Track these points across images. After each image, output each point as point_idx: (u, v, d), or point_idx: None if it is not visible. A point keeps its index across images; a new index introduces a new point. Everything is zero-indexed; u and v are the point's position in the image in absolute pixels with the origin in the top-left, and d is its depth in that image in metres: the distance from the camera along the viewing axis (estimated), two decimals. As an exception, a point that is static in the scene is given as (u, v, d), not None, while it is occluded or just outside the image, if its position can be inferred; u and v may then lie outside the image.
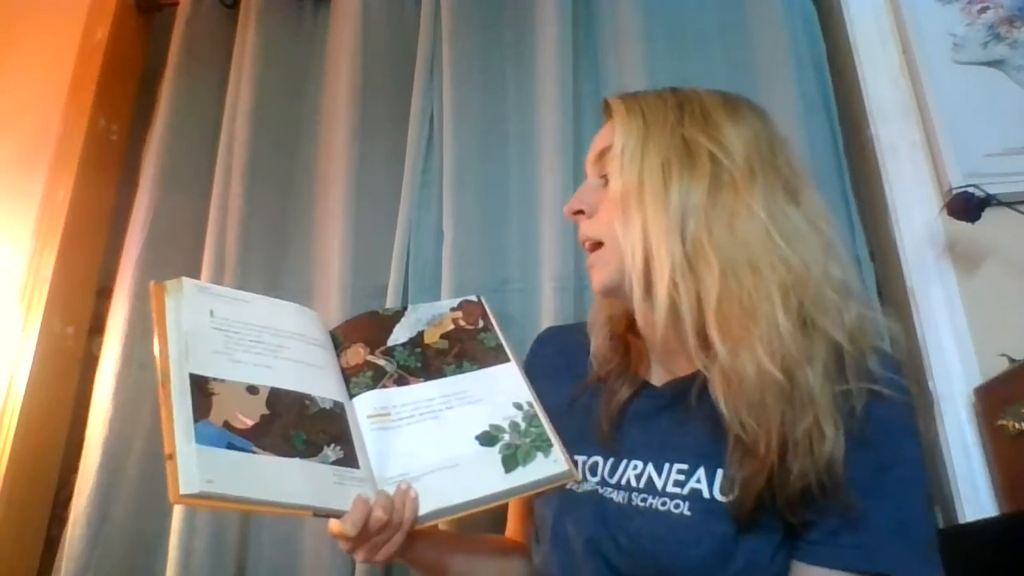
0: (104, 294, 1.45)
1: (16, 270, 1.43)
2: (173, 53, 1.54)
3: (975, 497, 1.01)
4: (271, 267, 1.38)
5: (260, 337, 0.76)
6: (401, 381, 0.81)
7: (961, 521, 1.00)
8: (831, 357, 0.70)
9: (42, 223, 1.45)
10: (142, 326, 1.35)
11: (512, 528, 0.96)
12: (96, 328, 1.46)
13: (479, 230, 1.29)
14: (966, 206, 1.08)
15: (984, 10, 1.26)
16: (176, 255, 1.42)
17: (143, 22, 1.67)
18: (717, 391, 0.70)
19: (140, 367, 1.34)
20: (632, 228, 0.75)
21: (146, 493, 1.27)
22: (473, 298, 0.92)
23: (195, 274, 1.36)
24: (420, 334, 0.86)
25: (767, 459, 0.67)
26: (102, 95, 1.54)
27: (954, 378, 1.06)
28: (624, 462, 0.79)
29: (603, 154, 0.83)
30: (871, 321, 0.75)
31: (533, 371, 0.89)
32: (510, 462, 0.75)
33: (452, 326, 0.88)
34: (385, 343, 0.84)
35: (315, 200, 1.41)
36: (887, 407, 0.69)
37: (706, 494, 0.72)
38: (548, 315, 1.20)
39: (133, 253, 1.39)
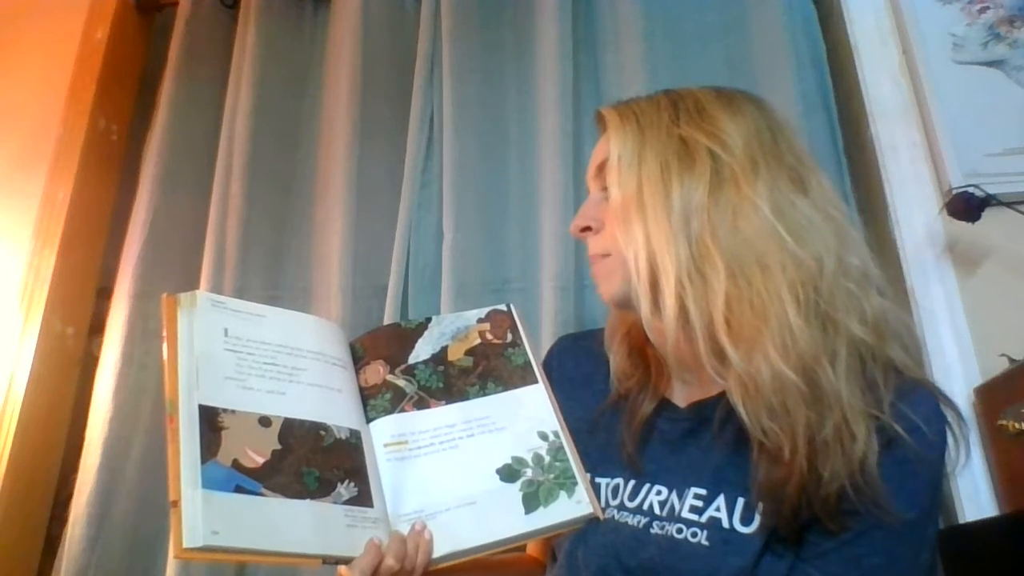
0: (104, 294, 1.45)
1: (16, 270, 1.43)
2: (173, 53, 1.54)
3: (975, 497, 1.01)
4: (271, 267, 1.38)
5: (275, 359, 0.73)
6: (421, 404, 0.77)
7: (961, 521, 1.00)
8: (854, 354, 0.67)
9: (42, 223, 1.45)
10: (142, 326, 1.35)
11: (534, 544, 0.94)
12: (96, 328, 1.46)
13: (479, 230, 1.29)
14: (966, 206, 1.07)
15: (984, 10, 1.25)
16: (176, 255, 1.42)
17: (143, 22, 1.67)
18: (735, 398, 0.68)
19: (140, 367, 1.34)
20: (634, 236, 0.72)
21: (146, 493, 1.27)
22: (503, 307, 0.86)
23: (195, 273, 1.36)
24: (444, 350, 0.82)
25: (793, 465, 0.64)
26: (102, 95, 1.54)
27: (954, 378, 1.06)
28: (647, 486, 0.76)
29: (602, 167, 0.80)
30: (896, 314, 0.72)
31: (550, 386, 0.83)
32: (531, 501, 0.71)
33: (478, 340, 0.83)
34: (406, 360, 0.80)
35: (315, 200, 1.41)
36: (916, 456, 0.66)
37: (725, 524, 0.69)
38: (548, 315, 1.19)
39: (133, 253, 1.39)
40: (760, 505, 0.68)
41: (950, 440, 0.70)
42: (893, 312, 0.72)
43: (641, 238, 0.72)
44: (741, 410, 0.67)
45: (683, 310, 0.69)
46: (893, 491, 0.65)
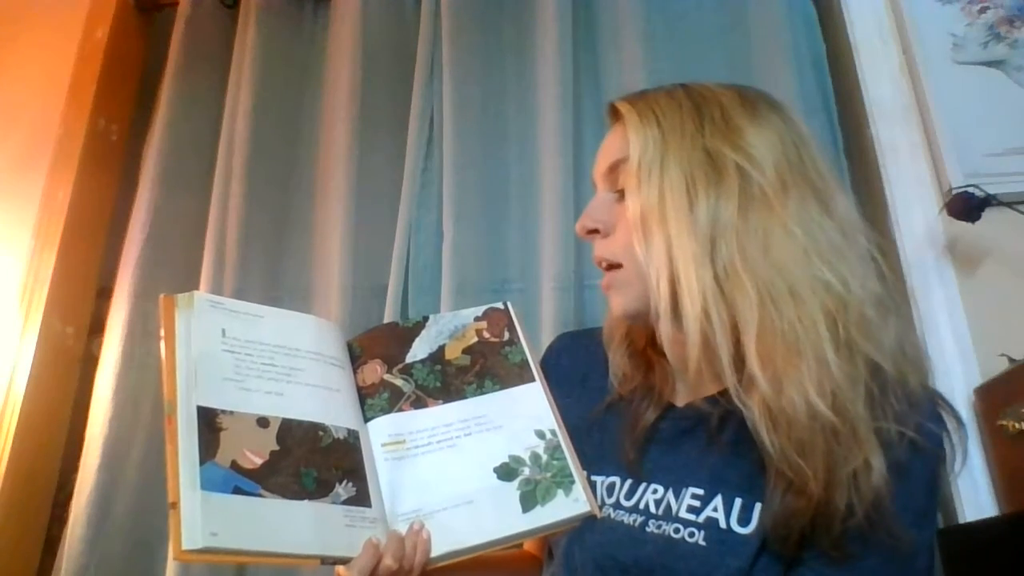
0: (104, 294, 1.45)
1: (16, 270, 1.43)
2: (173, 53, 1.54)
3: (975, 497, 1.01)
4: (271, 267, 1.38)
5: (273, 359, 0.73)
6: (418, 403, 0.77)
7: (961, 521, 1.00)
8: (873, 380, 0.66)
9: (42, 223, 1.45)
10: (142, 326, 1.36)
11: (531, 541, 0.93)
12: (96, 328, 1.46)
13: (479, 230, 1.29)
14: (966, 206, 1.08)
15: (984, 10, 1.25)
16: (176, 255, 1.42)
17: (143, 22, 1.68)
18: (760, 427, 0.65)
19: (140, 367, 1.34)
20: (655, 251, 0.69)
21: (146, 493, 1.27)
22: (499, 305, 0.85)
23: (195, 273, 1.36)
24: (441, 348, 0.81)
25: (814, 496, 0.63)
26: (102, 95, 1.54)
27: (954, 378, 1.06)
28: (643, 485, 0.75)
29: (616, 167, 0.77)
30: (911, 339, 0.71)
31: (548, 383, 0.81)
32: (528, 500, 0.71)
33: (475, 339, 0.82)
34: (404, 359, 0.80)
35: (315, 200, 1.41)
36: (915, 458, 0.66)
37: (723, 524, 0.69)
38: (548, 315, 1.19)
39: (133, 253, 1.40)
40: (762, 515, 0.68)
41: (947, 447, 0.69)
42: (910, 338, 0.71)
43: (663, 254, 0.69)
44: (766, 440, 0.65)
45: (707, 335, 0.67)
46: (894, 504, 0.64)
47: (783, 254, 0.67)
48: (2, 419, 1.32)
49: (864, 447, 0.64)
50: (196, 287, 1.34)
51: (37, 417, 1.35)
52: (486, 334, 0.83)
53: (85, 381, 1.40)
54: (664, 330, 0.70)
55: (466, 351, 0.82)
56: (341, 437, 0.72)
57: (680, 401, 0.79)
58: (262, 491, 0.64)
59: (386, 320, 1.25)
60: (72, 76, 1.55)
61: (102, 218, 1.53)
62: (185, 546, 0.58)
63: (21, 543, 1.31)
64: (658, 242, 0.70)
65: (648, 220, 0.71)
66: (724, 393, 0.70)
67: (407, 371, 0.79)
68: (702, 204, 0.69)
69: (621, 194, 0.76)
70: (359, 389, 0.78)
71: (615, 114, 0.80)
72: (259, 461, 0.66)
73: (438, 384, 0.79)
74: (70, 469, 1.35)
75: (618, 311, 0.77)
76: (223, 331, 0.72)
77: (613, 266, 0.77)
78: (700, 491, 0.72)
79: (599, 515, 0.72)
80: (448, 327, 0.84)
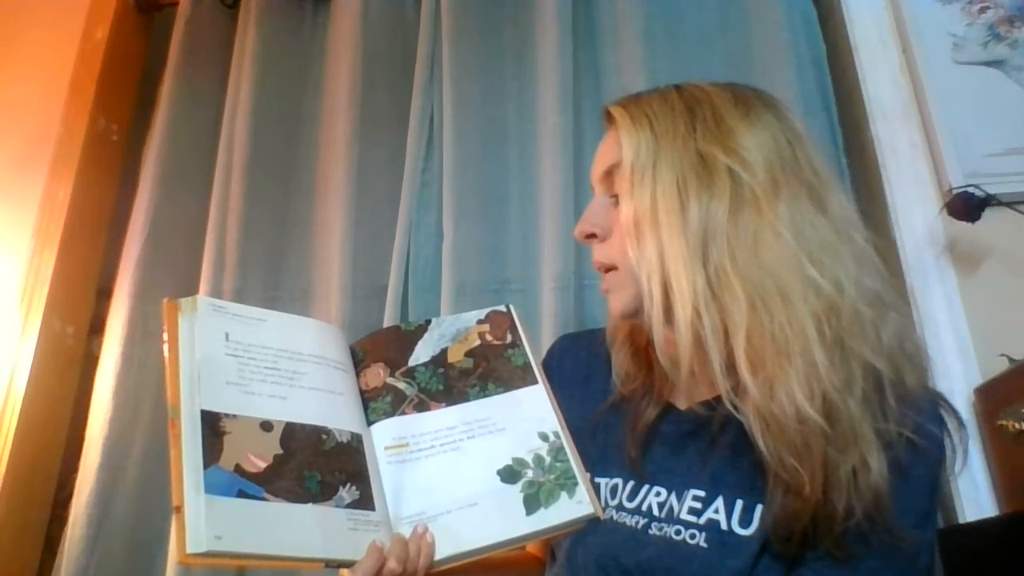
0: (104, 294, 1.45)
1: (16, 270, 1.43)
2: (173, 53, 1.54)
3: (975, 497, 1.01)
4: (271, 267, 1.38)
5: (276, 363, 0.73)
6: (421, 406, 0.77)
7: (961, 521, 1.00)
8: (869, 382, 0.66)
9: (42, 223, 1.45)
10: (142, 326, 1.36)
11: (534, 543, 0.92)
12: (96, 328, 1.46)
13: (479, 230, 1.29)
14: (966, 206, 1.08)
15: (984, 10, 1.26)
16: (176, 255, 1.42)
17: (143, 22, 1.68)
18: (754, 431, 0.66)
19: (140, 367, 1.34)
20: (647, 254, 0.70)
21: (146, 493, 1.27)
22: (502, 308, 0.86)
23: (195, 273, 1.36)
24: (444, 352, 0.82)
25: (811, 497, 0.64)
26: (102, 95, 1.54)
27: (954, 378, 1.06)
28: (646, 487, 0.75)
29: (611, 171, 0.77)
30: (910, 336, 0.71)
31: (550, 385, 0.81)
32: (532, 503, 0.71)
33: (478, 341, 0.83)
34: (406, 363, 0.80)
35: (315, 200, 1.42)
36: (916, 459, 0.66)
37: (724, 526, 0.69)
38: (548, 315, 1.19)
39: (133, 253, 1.40)
40: (763, 516, 0.68)
41: (948, 447, 0.69)
42: (910, 335, 0.71)
43: (655, 257, 0.69)
44: (761, 444, 0.66)
45: (699, 338, 0.67)
46: (894, 504, 0.65)
47: (773, 257, 0.67)
48: (2, 419, 1.32)
49: (860, 447, 0.64)
50: (196, 287, 1.34)
51: (37, 417, 1.35)
52: (488, 337, 0.83)
53: (85, 381, 1.40)
54: (657, 332, 0.71)
55: (469, 354, 0.82)
56: (344, 440, 0.72)
57: (681, 404, 0.79)
58: (266, 495, 0.64)
59: (386, 320, 1.25)
60: (72, 76, 1.55)
61: (102, 218, 1.53)
62: (189, 549, 0.58)
63: (21, 543, 1.32)
64: (650, 246, 0.70)
65: (641, 224, 0.71)
66: (720, 398, 0.70)
67: (410, 374, 0.79)
68: (693, 207, 0.69)
69: (617, 198, 0.76)
70: (362, 392, 0.78)
71: (610, 118, 0.80)
72: (263, 465, 0.66)
73: (441, 387, 0.79)
74: (70, 469, 1.35)
75: (616, 311, 0.78)
76: (226, 335, 0.73)
77: (610, 269, 0.77)
78: (702, 493, 0.72)
79: (603, 517, 0.71)
80: (450, 330, 0.84)
